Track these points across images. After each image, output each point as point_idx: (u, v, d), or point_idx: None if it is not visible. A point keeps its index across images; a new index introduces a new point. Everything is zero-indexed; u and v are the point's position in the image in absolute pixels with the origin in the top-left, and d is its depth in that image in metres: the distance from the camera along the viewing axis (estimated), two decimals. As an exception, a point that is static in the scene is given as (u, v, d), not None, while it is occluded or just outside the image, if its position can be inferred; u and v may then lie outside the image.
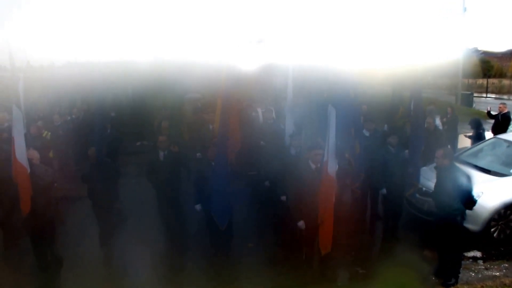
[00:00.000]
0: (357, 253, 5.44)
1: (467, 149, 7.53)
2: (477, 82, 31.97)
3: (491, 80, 32.80)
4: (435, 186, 4.80)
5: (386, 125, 6.57)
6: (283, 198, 5.21)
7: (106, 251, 5.39)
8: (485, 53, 46.77)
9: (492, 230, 5.69)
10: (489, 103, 21.49)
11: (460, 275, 4.80)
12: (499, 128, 9.24)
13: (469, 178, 4.56)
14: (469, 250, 5.52)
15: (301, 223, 4.69)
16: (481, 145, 7.34)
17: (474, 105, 21.32)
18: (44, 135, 7.04)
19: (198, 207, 5.29)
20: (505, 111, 9.46)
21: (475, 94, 24.54)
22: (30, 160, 4.40)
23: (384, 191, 5.66)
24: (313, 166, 4.66)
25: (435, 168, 4.77)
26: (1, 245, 5.93)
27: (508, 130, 9.18)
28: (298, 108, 5.99)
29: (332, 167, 4.47)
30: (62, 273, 4.90)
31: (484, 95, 27.63)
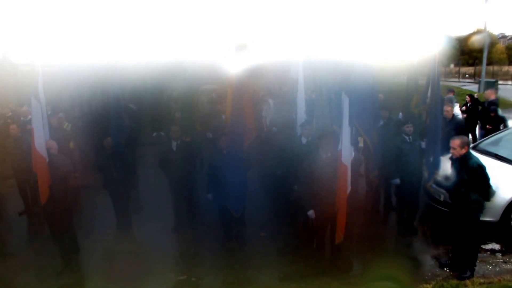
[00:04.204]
0: (370, 243, 5.40)
1: (487, 138, 7.30)
2: (503, 69, 30.70)
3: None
4: (451, 176, 4.68)
5: (401, 114, 6.44)
6: (295, 187, 5.22)
7: (121, 238, 5.57)
8: (513, 38, 44.71)
9: (512, 222, 5.53)
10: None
11: (476, 268, 4.69)
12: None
13: (486, 168, 4.42)
14: (487, 242, 5.38)
15: (311, 213, 4.70)
16: (501, 134, 7.09)
17: (498, 93, 20.53)
18: (65, 126, 7.29)
19: (210, 196, 5.38)
20: (492, 97, 9.32)
21: (500, 82, 23.61)
22: (48, 150, 4.57)
23: (397, 181, 5.57)
24: (324, 155, 4.64)
25: (450, 158, 4.65)
26: (27, 232, 6.26)
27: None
28: (309, 97, 5.95)
29: (346, 156, 4.44)
30: (80, 259, 5.09)
31: (510, 82, 26.52)
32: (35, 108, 4.54)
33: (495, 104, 9.12)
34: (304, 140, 5.48)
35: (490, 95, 9.43)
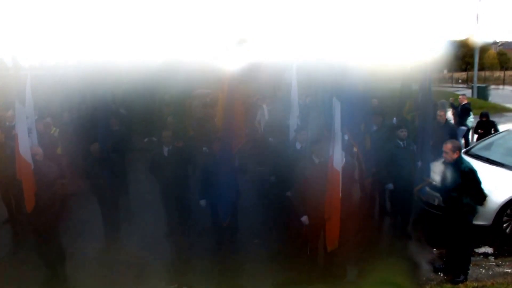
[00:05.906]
0: (364, 249, 5.34)
1: (479, 142, 7.34)
2: (494, 75, 31.20)
3: (508, 72, 32.00)
4: (444, 180, 4.67)
5: (394, 119, 6.43)
6: (289, 193, 5.14)
7: (110, 247, 5.44)
8: (504, 44, 45.58)
9: (504, 225, 5.53)
10: (505, 95, 20.93)
11: (469, 271, 4.68)
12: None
13: (478, 171, 4.42)
14: (480, 246, 5.38)
15: (304, 218, 4.63)
16: (493, 138, 7.14)
17: (490, 98, 20.82)
18: (52, 131, 7.12)
19: (203, 202, 5.28)
20: (465, 102, 9.51)
21: (492, 86, 23.95)
22: (33, 156, 4.42)
23: (390, 186, 5.53)
24: (316, 160, 4.58)
25: (443, 162, 4.64)
26: (10, 241, 6.08)
27: (468, 121, 9.20)
28: (303, 102, 5.91)
29: (337, 161, 4.39)
30: (67, 269, 4.92)
31: (501, 87, 26.91)
32: (19, 112, 4.41)
33: (467, 108, 9.33)
34: (298, 146, 5.41)
35: (463, 100, 9.67)
